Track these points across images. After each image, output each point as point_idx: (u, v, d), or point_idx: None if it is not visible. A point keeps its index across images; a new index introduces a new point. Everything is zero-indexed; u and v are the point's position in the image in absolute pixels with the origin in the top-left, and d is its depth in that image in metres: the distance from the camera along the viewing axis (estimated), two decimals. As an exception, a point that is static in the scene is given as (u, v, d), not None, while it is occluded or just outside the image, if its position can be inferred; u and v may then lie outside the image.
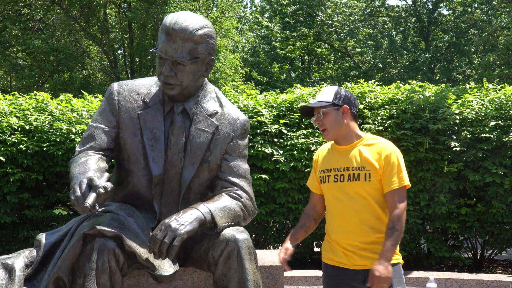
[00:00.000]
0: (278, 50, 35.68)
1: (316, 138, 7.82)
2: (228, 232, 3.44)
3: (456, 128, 7.86)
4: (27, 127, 7.82)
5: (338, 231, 3.71)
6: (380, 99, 8.21)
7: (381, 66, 31.73)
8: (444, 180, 7.80)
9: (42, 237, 3.53)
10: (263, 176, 7.78)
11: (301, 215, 4.11)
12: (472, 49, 31.41)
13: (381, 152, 3.62)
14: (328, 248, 3.81)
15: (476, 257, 8.51)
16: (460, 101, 8.06)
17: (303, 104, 3.47)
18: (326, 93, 3.73)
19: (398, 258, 3.67)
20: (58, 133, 7.78)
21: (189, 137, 3.69)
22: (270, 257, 4.34)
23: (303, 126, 8.08)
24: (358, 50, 34.70)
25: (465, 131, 7.73)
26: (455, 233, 8.18)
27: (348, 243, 3.65)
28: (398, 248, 3.64)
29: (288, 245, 3.79)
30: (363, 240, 3.61)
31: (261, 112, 8.09)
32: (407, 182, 3.62)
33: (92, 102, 8.55)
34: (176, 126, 3.67)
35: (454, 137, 7.82)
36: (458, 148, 7.66)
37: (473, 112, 7.87)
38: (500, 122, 7.74)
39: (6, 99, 8.50)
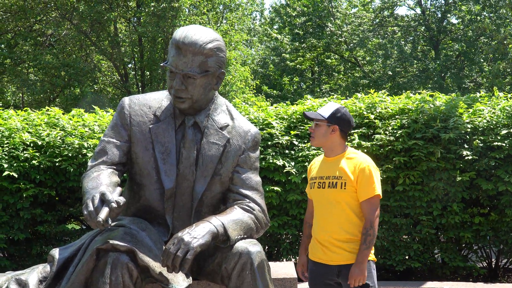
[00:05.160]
0: (288, 62, 35.69)
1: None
2: (241, 245, 3.43)
3: (467, 137, 7.83)
4: (40, 143, 7.84)
5: (317, 229, 4.34)
6: (391, 109, 8.19)
7: (391, 73, 31.64)
8: (457, 190, 7.76)
9: (56, 252, 3.54)
10: (275, 188, 7.76)
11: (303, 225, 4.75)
12: (482, 59, 31.28)
13: (356, 165, 4.22)
14: (312, 246, 4.42)
15: (491, 266, 8.45)
16: (471, 110, 8.03)
17: (309, 111, 4.47)
18: (327, 108, 4.33)
19: (369, 256, 4.23)
20: (70, 148, 7.80)
21: (201, 150, 3.69)
22: (283, 269, 4.33)
23: (314, 137, 8.07)
24: (368, 59, 34.62)
25: (477, 140, 7.69)
26: (469, 242, 8.13)
27: (324, 239, 4.26)
28: (372, 248, 4.26)
29: (304, 260, 4.51)
30: (337, 237, 4.20)
31: (272, 124, 8.08)
32: (378, 192, 4.20)
33: (104, 116, 8.57)
34: (188, 139, 3.68)
35: (466, 146, 7.78)
36: (470, 157, 7.62)
37: (485, 121, 7.84)
38: (511, 130, 7.70)
39: (18, 115, 8.54)
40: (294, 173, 7.74)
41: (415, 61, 32.15)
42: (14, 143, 7.75)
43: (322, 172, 4.34)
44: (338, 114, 4.27)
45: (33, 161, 7.69)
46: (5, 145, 7.78)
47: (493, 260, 8.54)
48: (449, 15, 33.15)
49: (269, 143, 7.93)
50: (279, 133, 7.97)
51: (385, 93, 8.85)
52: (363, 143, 7.71)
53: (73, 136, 7.95)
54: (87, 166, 3.72)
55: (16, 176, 7.60)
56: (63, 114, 8.68)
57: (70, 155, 7.78)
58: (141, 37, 24.35)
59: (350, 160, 4.27)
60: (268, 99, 29.96)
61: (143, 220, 3.62)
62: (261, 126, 8.04)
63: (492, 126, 7.83)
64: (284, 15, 38.00)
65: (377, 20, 33.42)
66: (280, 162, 7.77)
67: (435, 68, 30.06)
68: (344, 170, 4.22)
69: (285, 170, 7.76)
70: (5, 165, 7.58)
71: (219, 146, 3.72)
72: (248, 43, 37.54)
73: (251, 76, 29.95)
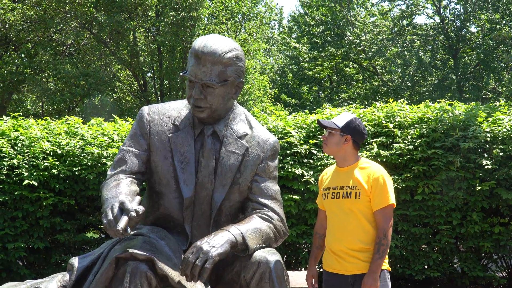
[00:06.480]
0: (306, 70, 35.68)
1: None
2: (259, 254, 3.43)
3: (487, 146, 7.77)
4: (59, 152, 7.89)
5: (331, 239, 4.37)
6: (410, 118, 8.15)
7: (409, 84, 31.52)
8: (476, 199, 7.70)
9: (75, 261, 3.55)
10: (294, 197, 7.74)
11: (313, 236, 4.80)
12: (501, 65, 31.08)
13: (370, 175, 4.27)
14: (326, 256, 4.46)
15: (511, 276, 8.37)
16: (490, 119, 7.96)
17: (323, 119, 4.81)
18: (342, 118, 4.40)
19: (383, 265, 4.24)
20: (89, 157, 7.84)
21: (220, 159, 3.69)
22: (302, 278, 4.35)
23: (332, 146, 8.05)
24: (387, 69, 34.54)
25: (497, 149, 7.63)
26: (488, 252, 8.06)
27: (338, 249, 4.29)
28: (387, 257, 4.29)
29: (314, 271, 4.56)
30: (351, 247, 4.23)
31: (291, 133, 8.08)
32: (392, 201, 4.23)
33: (123, 125, 8.61)
34: (207, 148, 3.69)
35: (486, 155, 7.73)
36: (490, 166, 7.56)
37: (504, 130, 7.77)
38: (532, 139, 7.63)
39: (38, 124, 8.60)
40: (312, 182, 7.72)
41: (434, 70, 32.00)
42: (34, 152, 7.81)
43: (336, 183, 4.39)
44: (352, 125, 4.35)
45: (53, 170, 7.73)
46: (26, 154, 7.84)
47: (513, 270, 8.47)
48: (468, 23, 32.97)
49: (288, 152, 7.92)
50: (297, 142, 7.97)
51: (404, 102, 8.82)
52: (382, 152, 7.68)
53: (92, 145, 7.99)
54: (106, 175, 3.73)
55: (36, 185, 7.66)
56: (83, 123, 8.74)
57: (89, 164, 7.82)
58: (160, 47, 24.51)
59: (363, 170, 4.32)
60: (286, 108, 30.00)
61: (162, 229, 3.63)
62: (280, 135, 8.04)
63: (512, 135, 7.77)
64: (302, 24, 38.11)
65: (396, 29, 33.32)
66: (298, 171, 7.75)
67: (451, 81, 29.92)
68: (358, 179, 4.27)
69: (303, 179, 7.75)
70: (25, 174, 7.64)
71: (238, 155, 3.72)
72: (267, 52, 37.64)
73: (269, 85, 30.04)
